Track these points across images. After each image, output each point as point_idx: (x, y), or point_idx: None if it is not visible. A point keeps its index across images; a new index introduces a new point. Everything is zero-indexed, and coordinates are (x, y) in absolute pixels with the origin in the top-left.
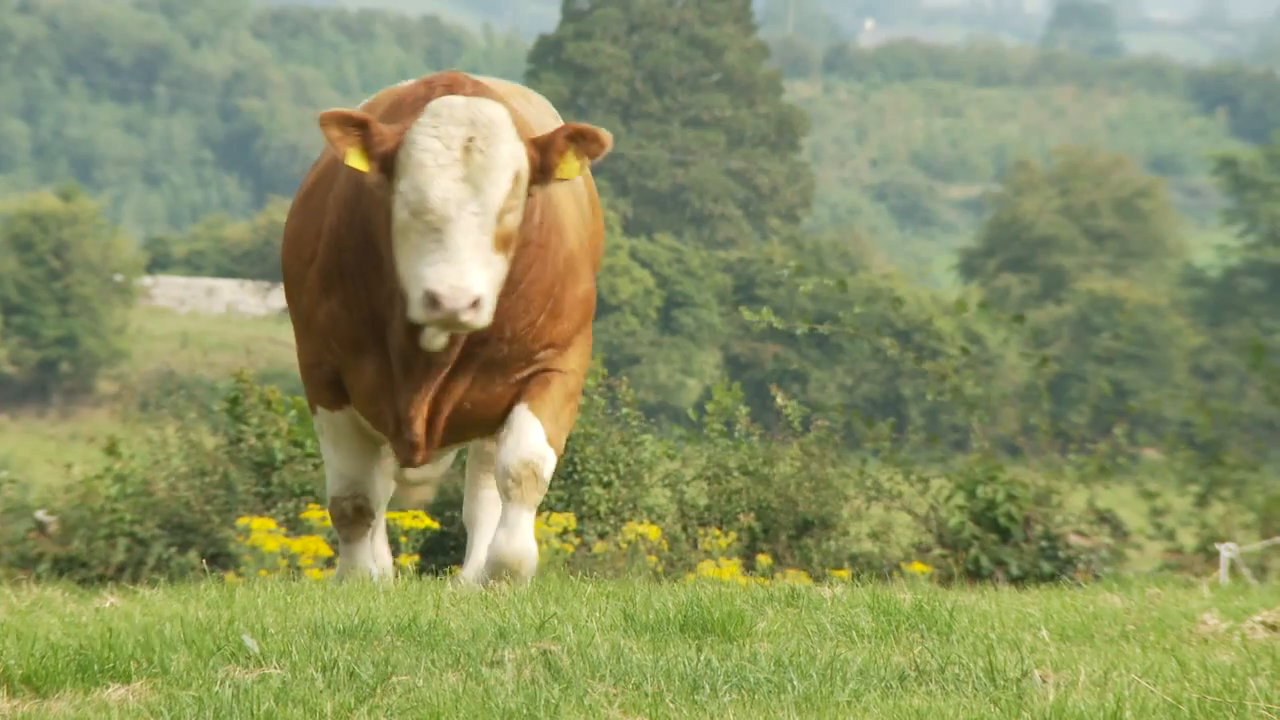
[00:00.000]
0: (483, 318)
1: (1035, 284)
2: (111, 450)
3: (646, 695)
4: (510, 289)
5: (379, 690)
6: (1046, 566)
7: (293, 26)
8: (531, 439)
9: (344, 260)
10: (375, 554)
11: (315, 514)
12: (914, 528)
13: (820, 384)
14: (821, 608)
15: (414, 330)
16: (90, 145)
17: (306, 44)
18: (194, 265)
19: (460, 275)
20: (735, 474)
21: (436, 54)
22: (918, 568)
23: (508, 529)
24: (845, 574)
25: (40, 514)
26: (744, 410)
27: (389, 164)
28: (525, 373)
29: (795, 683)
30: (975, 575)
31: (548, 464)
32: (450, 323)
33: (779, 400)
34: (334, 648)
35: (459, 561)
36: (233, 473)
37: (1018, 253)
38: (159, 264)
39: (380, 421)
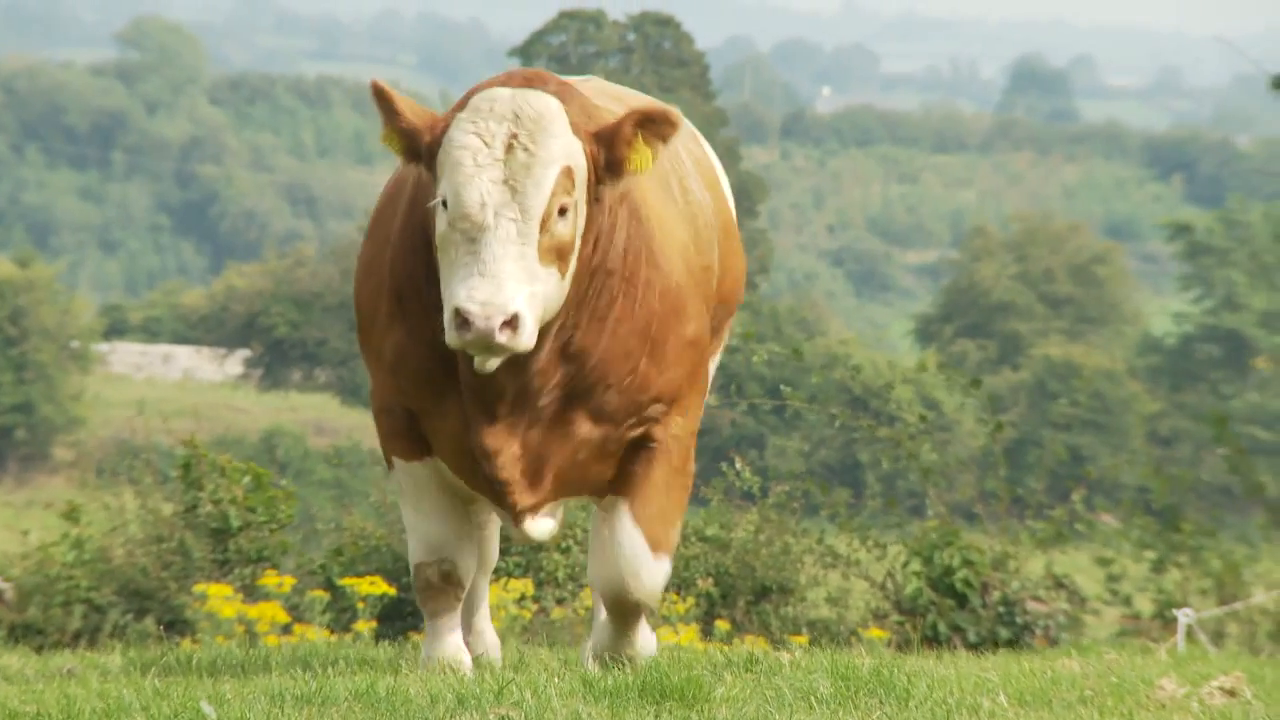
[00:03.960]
0: (522, 340)
1: (992, 350)
2: (71, 516)
3: None
4: (596, 327)
5: None
6: (1004, 632)
7: (249, 93)
8: (625, 555)
9: (407, 284)
10: (477, 632)
11: (272, 580)
12: (871, 594)
13: (778, 449)
14: (780, 673)
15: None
16: (47, 211)
17: (264, 110)
18: (150, 332)
19: (493, 290)
20: (693, 539)
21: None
22: (875, 634)
23: (608, 637)
24: (803, 640)
25: None
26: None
27: (432, 165)
28: (635, 431)
29: None
30: (933, 641)
31: (644, 582)
32: (484, 345)
33: (738, 465)
34: (291, 714)
35: (416, 628)
36: (189, 539)
37: (974, 318)
38: (115, 330)
39: (469, 472)
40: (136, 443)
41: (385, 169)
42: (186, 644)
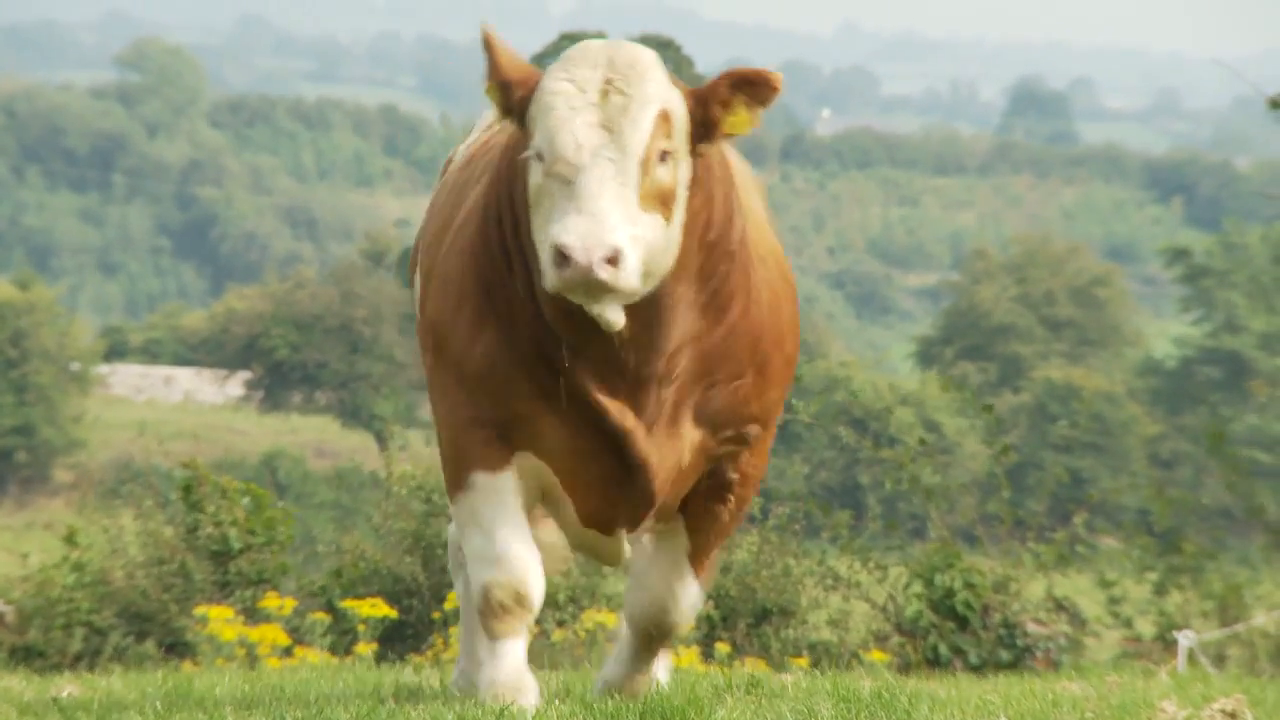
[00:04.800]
0: (625, 278)
1: (992, 372)
2: (70, 540)
3: None
4: (717, 315)
5: None
6: (1005, 655)
7: (249, 115)
8: (674, 594)
9: (496, 288)
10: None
11: (273, 602)
12: (872, 616)
13: (778, 471)
14: (781, 695)
15: (581, 320)
16: (47, 234)
17: (263, 133)
18: (151, 354)
19: (592, 224)
20: None
21: (394, 142)
22: (876, 656)
23: (624, 666)
24: (804, 662)
25: None
26: None
27: (524, 120)
28: (725, 447)
29: None
30: (934, 663)
31: (685, 610)
32: (584, 283)
33: None
34: None
35: (417, 650)
36: (190, 561)
37: (975, 340)
38: (116, 353)
39: (581, 477)
40: (137, 465)
41: (385, 191)
42: (187, 666)
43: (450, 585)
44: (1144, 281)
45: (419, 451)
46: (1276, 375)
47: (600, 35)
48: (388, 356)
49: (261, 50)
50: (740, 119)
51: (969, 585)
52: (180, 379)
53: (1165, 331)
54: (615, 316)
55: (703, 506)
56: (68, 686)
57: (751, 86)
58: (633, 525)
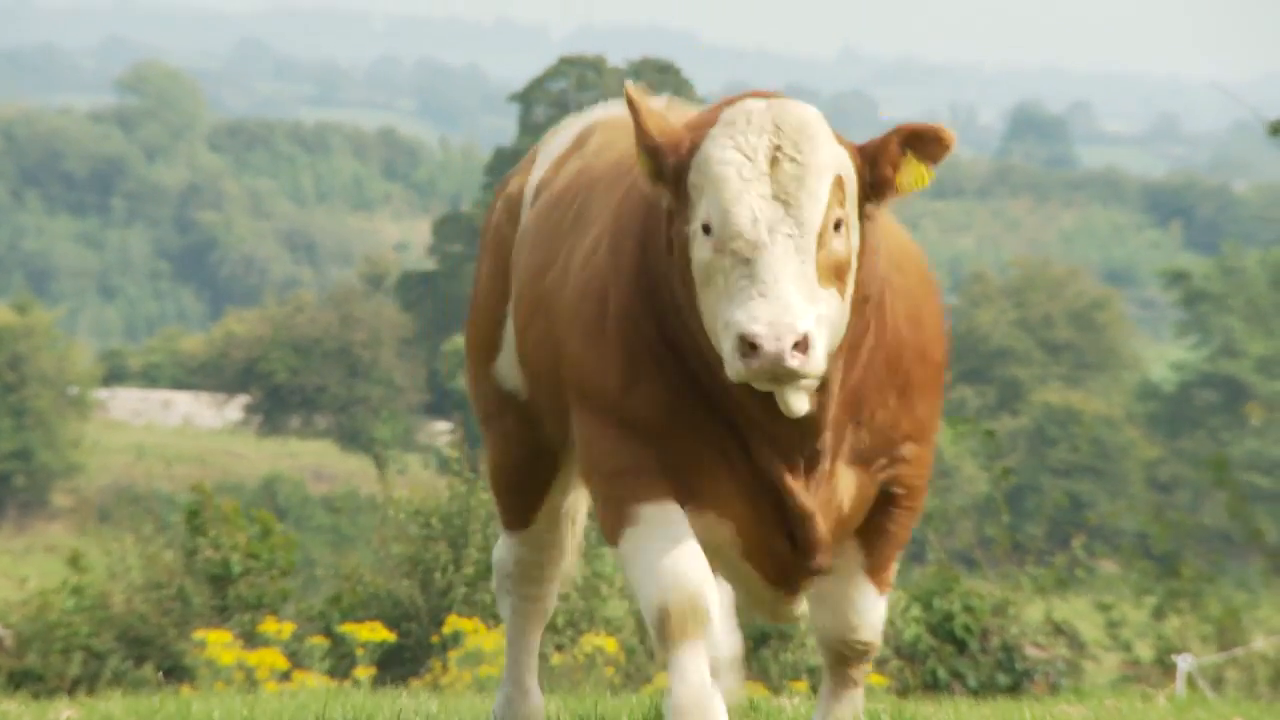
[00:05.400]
0: (814, 363)
1: (991, 396)
2: (75, 562)
3: None
4: (852, 357)
5: None
6: (1003, 678)
7: (249, 139)
8: (856, 608)
9: (655, 339)
10: (524, 690)
11: (271, 627)
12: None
13: None
14: (780, 719)
15: (763, 397)
16: (46, 258)
17: (263, 156)
18: (150, 378)
19: (780, 310)
20: None
21: (393, 166)
22: (875, 679)
23: (828, 698)
24: (803, 686)
25: None
26: None
27: (680, 188)
28: (884, 473)
29: None
30: (932, 687)
31: (872, 623)
32: (775, 372)
33: None
34: None
35: (416, 674)
36: (189, 585)
37: (974, 364)
38: (115, 376)
39: (755, 532)
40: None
41: (384, 214)
42: (186, 690)
43: (449, 609)
44: (1142, 305)
45: (417, 475)
46: (1274, 399)
47: (598, 61)
48: (386, 380)
49: (261, 74)
50: (916, 173)
51: (968, 609)
52: (179, 403)
53: (1164, 355)
54: (799, 404)
55: (871, 524)
56: (66, 711)
57: (922, 142)
58: (807, 578)
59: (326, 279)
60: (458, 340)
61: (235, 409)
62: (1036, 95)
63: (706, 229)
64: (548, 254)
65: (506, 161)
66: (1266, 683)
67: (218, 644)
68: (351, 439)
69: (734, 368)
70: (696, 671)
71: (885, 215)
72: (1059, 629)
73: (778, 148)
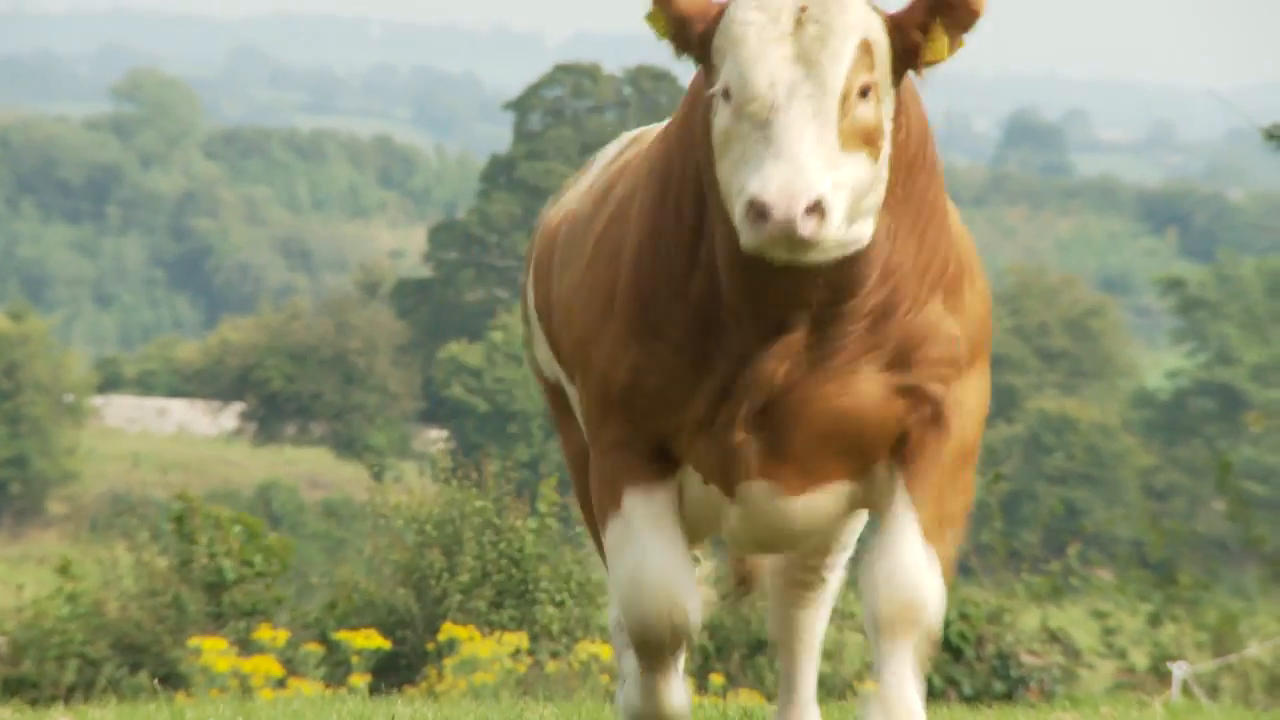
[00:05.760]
0: (831, 229)
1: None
2: (65, 571)
3: None
4: (905, 236)
5: None
6: (999, 685)
7: (244, 147)
8: (908, 562)
9: (663, 286)
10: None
11: (266, 634)
12: (866, 647)
13: None
14: None
15: (755, 277)
16: (41, 265)
17: (258, 164)
18: (145, 385)
19: (792, 173)
20: None
21: (388, 173)
22: (871, 687)
23: (884, 697)
24: None
25: None
26: None
27: (706, 52)
28: (925, 372)
29: None
30: (928, 694)
31: (932, 594)
32: (786, 239)
33: None
34: None
35: (411, 681)
36: (183, 593)
37: None
38: (110, 384)
39: (720, 454)
40: (131, 496)
41: (379, 222)
42: (181, 698)
43: (444, 616)
44: (1138, 313)
45: (412, 483)
46: (1270, 407)
47: (594, 69)
48: (382, 388)
49: (257, 82)
50: (940, 44)
51: (963, 616)
52: (174, 410)
53: (1159, 363)
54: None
55: (917, 441)
56: (61, 718)
57: (950, 9)
58: (774, 473)
59: (322, 286)
60: (452, 348)
61: (230, 417)
62: (1032, 103)
63: (727, 94)
64: (606, 249)
65: (502, 169)
66: (1261, 690)
67: (213, 651)
68: (347, 446)
69: (744, 235)
70: (666, 696)
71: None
72: (1054, 636)
73: (803, 9)
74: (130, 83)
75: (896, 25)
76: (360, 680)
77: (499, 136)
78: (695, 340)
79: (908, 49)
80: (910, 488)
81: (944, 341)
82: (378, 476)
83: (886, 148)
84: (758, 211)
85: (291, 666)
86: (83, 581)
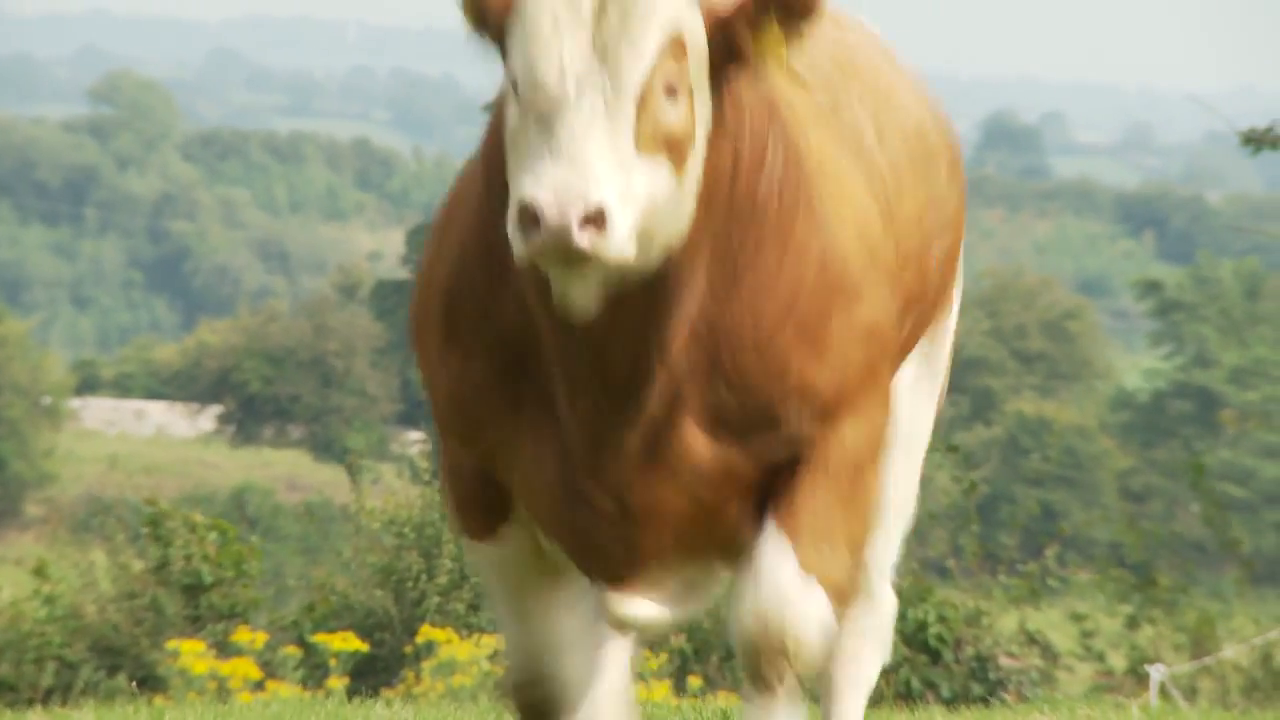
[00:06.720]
0: (614, 243)
1: (964, 406)
2: (40, 572)
3: None
4: (728, 291)
5: None
6: (977, 688)
7: (222, 149)
8: (774, 581)
9: (467, 293)
10: None
11: (244, 636)
12: None
13: None
14: None
15: (549, 307)
16: (18, 267)
17: (236, 166)
18: (123, 388)
19: (570, 175)
20: None
21: (366, 176)
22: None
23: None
24: None
25: None
26: None
27: (502, 38)
28: (774, 453)
29: None
30: (906, 697)
31: (802, 619)
32: (561, 251)
33: None
34: None
35: (389, 684)
36: (161, 595)
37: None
38: (87, 386)
39: (562, 522)
40: (108, 499)
41: (357, 224)
42: (159, 700)
43: (422, 619)
44: (1115, 315)
45: (391, 485)
46: (1247, 409)
47: None
48: (360, 390)
49: (234, 84)
50: (772, 39)
51: (941, 619)
52: (152, 413)
53: (1137, 365)
54: (583, 301)
55: (780, 484)
56: None
57: (785, 7)
58: (626, 578)
59: (300, 289)
60: None
61: (208, 419)
62: (1010, 105)
63: (516, 87)
64: (439, 243)
65: None
66: (1239, 692)
67: (190, 654)
68: (325, 449)
69: (515, 244)
70: None
71: (827, 161)
72: (1032, 639)
73: None
74: (108, 85)
75: (719, 22)
76: (338, 683)
77: (477, 139)
78: (508, 371)
79: (731, 48)
80: (783, 521)
81: (795, 398)
82: (354, 474)
83: (696, 165)
84: (529, 216)
85: (269, 669)
86: (60, 584)
